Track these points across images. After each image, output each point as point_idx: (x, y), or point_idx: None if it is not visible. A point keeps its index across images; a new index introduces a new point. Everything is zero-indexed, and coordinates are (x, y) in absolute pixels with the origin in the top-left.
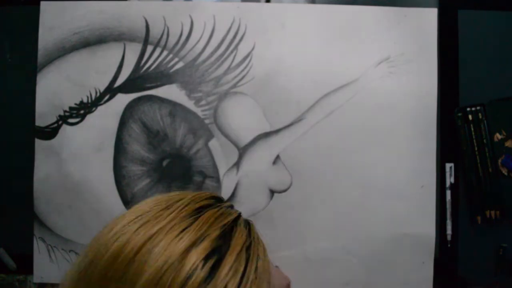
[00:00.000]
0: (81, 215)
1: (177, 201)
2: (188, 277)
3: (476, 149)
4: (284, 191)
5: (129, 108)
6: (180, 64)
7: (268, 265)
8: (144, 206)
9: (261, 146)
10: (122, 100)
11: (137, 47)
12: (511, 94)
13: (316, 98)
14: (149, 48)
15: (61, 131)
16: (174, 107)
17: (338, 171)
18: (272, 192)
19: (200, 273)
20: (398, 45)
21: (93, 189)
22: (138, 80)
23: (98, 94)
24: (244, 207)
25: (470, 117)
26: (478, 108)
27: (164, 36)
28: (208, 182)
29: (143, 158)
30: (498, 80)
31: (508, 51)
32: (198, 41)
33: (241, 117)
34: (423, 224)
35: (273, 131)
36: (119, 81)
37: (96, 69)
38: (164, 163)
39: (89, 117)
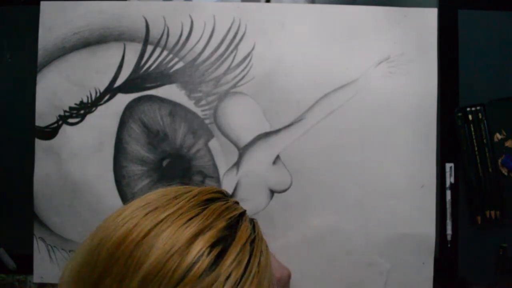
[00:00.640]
0: (81, 215)
1: (186, 192)
2: (193, 263)
3: (476, 149)
4: (284, 191)
5: (129, 108)
6: (180, 64)
7: (270, 263)
8: (152, 195)
9: (261, 146)
10: (122, 100)
11: (137, 47)
12: (511, 94)
13: (316, 98)
14: (149, 48)
15: (61, 131)
16: (174, 107)
17: (338, 171)
18: (272, 192)
19: (205, 260)
20: (398, 45)
21: (93, 189)
22: (138, 80)
23: (98, 94)
24: (244, 207)
25: (470, 117)
26: (478, 108)
27: (164, 36)
28: (208, 182)
29: (143, 158)
30: (498, 80)
31: (508, 51)
32: (198, 41)
33: (241, 117)
34: (423, 224)
35: (273, 131)
36: (119, 81)
37: (96, 69)
38: (164, 163)
39: (89, 117)
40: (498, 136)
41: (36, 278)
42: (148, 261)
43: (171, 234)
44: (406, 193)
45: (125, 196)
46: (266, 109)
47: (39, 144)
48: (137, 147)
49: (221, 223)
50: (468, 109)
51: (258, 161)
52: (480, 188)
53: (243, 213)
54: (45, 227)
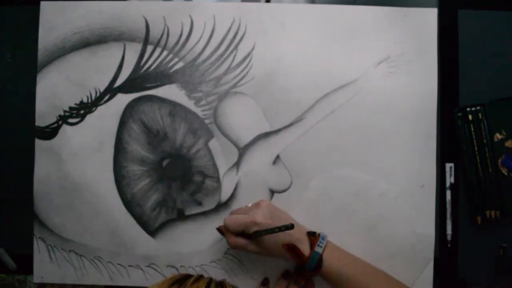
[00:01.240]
0: (81, 215)
1: None
2: None
3: (476, 149)
4: (284, 191)
5: (129, 108)
6: (180, 64)
7: None
8: None
9: (261, 146)
10: (122, 100)
11: (137, 47)
12: (511, 94)
13: (316, 98)
14: (149, 48)
15: (61, 131)
16: (174, 107)
17: (338, 171)
18: (272, 192)
19: None
20: (398, 45)
21: (93, 189)
22: (138, 80)
23: (98, 94)
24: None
25: (470, 117)
26: (478, 108)
27: (164, 36)
28: (208, 182)
29: (143, 158)
30: (498, 80)
31: (508, 51)
32: (198, 41)
33: (241, 117)
34: (423, 224)
35: (273, 131)
36: (119, 81)
37: (96, 69)
38: (164, 163)
39: (89, 117)
40: (498, 136)
41: (36, 278)
42: None
43: None
44: (406, 193)
45: (125, 196)
46: (266, 109)
47: (39, 144)
48: (137, 147)
49: None
50: (468, 109)
51: (258, 161)
52: (480, 188)
53: (209, 282)
54: (45, 227)
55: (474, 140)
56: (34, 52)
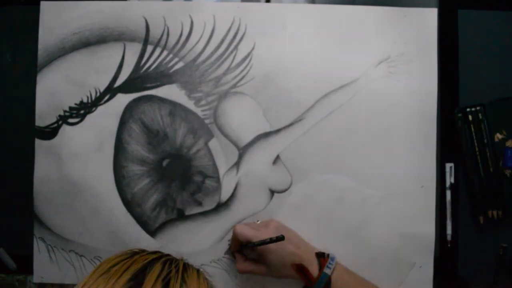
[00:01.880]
0: (81, 215)
1: (95, 270)
2: None
3: (476, 149)
4: (284, 191)
5: (129, 108)
6: (180, 64)
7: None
8: None
9: (261, 146)
10: (122, 100)
11: (137, 47)
12: (511, 94)
13: (316, 98)
14: (149, 48)
15: (61, 131)
16: (174, 107)
17: (338, 171)
18: (272, 192)
19: None
20: (398, 45)
21: (93, 189)
22: (138, 80)
23: (98, 94)
24: (244, 207)
25: (470, 117)
26: (478, 108)
27: (164, 36)
28: (208, 182)
29: (143, 158)
30: (498, 80)
31: (508, 51)
32: (198, 41)
33: (241, 117)
34: (423, 224)
35: (273, 131)
36: (119, 81)
37: (96, 69)
38: (164, 163)
39: (89, 117)
40: (498, 136)
41: (36, 278)
42: None
43: None
44: (406, 193)
45: (125, 196)
46: (266, 109)
47: (39, 144)
48: (137, 147)
49: (125, 277)
50: (468, 109)
51: (258, 161)
52: (482, 188)
53: (158, 258)
54: (45, 227)
55: (475, 141)
56: (34, 52)
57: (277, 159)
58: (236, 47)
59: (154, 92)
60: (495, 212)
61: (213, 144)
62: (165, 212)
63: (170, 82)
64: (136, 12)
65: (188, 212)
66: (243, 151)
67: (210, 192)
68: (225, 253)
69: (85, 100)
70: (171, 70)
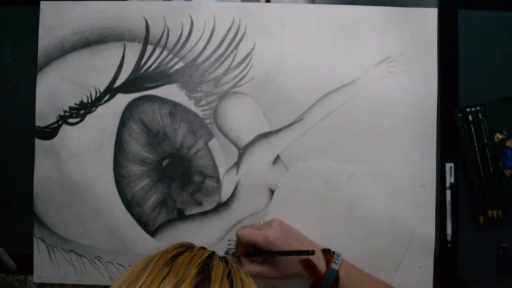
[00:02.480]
0: (81, 215)
1: (151, 260)
2: None
3: (477, 149)
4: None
5: (129, 108)
6: (180, 64)
7: (253, 286)
8: (123, 275)
9: (261, 146)
10: (122, 100)
11: (137, 47)
12: (511, 94)
13: (316, 98)
14: (149, 48)
15: (61, 131)
16: (174, 107)
17: (338, 171)
18: (272, 192)
19: None
20: (398, 45)
21: (93, 189)
22: (138, 80)
23: (98, 94)
24: (244, 207)
25: (470, 117)
26: (478, 108)
27: (164, 36)
28: (208, 182)
29: (143, 158)
30: (498, 80)
31: (508, 51)
32: (198, 41)
33: (241, 117)
34: (423, 224)
35: (273, 131)
36: (119, 81)
37: (96, 69)
38: (164, 163)
39: (89, 117)
40: (498, 136)
41: (36, 278)
42: None
43: None
44: (406, 193)
45: (125, 196)
46: (266, 109)
47: (39, 144)
48: (137, 147)
49: (193, 271)
50: (468, 109)
51: (258, 161)
52: (482, 188)
53: (212, 254)
54: (45, 227)
55: (475, 141)
56: (34, 52)
57: (277, 159)
58: (236, 47)
59: (154, 92)
60: (495, 212)
61: (213, 144)
62: (165, 212)
63: (170, 82)
64: (136, 12)
65: (188, 212)
66: (243, 151)
67: (210, 192)
68: (225, 253)
69: (85, 100)
70: (171, 70)
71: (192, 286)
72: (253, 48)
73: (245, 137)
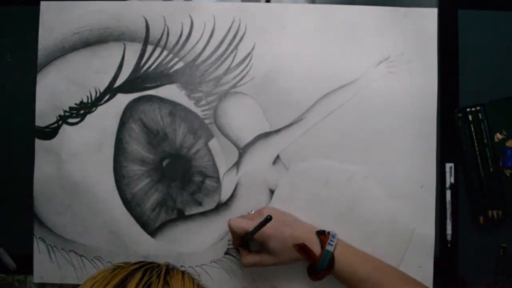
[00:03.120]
0: (81, 215)
1: None
2: None
3: (477, 149)
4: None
5: (129, 108)
6: (180, 64)
7: None
8: None
9: (261, 146)
10: (122, 100)
11: (137, 47)
12: (511, 94)
13: (316, 98)
14: (149, 48)
15: (61, 131)
16: (174, 107)
17: (338, 171)
18: (272, 192)
19: None
20: (398, 45)
21: (93, 189)
22: (138, 80)
23: (98, 94)
24: (244, 207)
25: (470, 117)
26: (478, 108)
27: (164, 36)
28: (208, 182)
29: (143, 158)
30: (498, 80)
31: (508, 51)
32: (198, 41)
33: (241, 117)
34: (423, 224)
35: (273, 131)
36: (119, 81)
37: (96, 69)
38: (164, 163)
39: (89, 117)
40: (498, 136)
41: (36, 278)
42: None
43: None
44: (406, 193)
45: (125, 196)
46: (266, 109)
47: (39, 144)
48: (137, 147)
49: None
50: (468, 109)
51: (258, 161)
52: (482, 188)
53: (135, 269)
54: (45, 227)
55: (475, 141)
56: (34, 52)
57: (277, 159)
58: (236, 47)
59: (154, 92)
60: (495, 212)
61: (213, 144)
62: (165, 212)
63: (170, 82)
64: (136, 12)
65: (188, 212)
66: (243, 151)
67: (210, 192)
68: (224, 253)
69: (85, 100)
70: (171, 70)
71: None
72: (253, 48)
73: (245, 137)
